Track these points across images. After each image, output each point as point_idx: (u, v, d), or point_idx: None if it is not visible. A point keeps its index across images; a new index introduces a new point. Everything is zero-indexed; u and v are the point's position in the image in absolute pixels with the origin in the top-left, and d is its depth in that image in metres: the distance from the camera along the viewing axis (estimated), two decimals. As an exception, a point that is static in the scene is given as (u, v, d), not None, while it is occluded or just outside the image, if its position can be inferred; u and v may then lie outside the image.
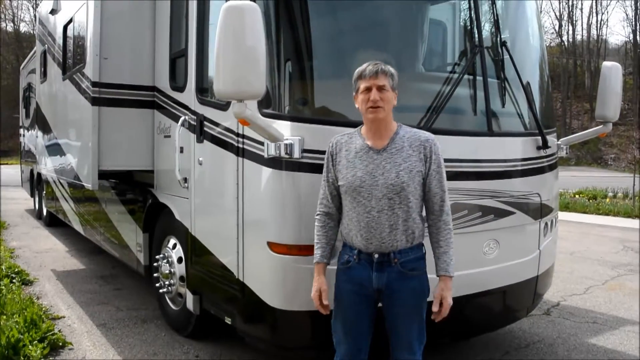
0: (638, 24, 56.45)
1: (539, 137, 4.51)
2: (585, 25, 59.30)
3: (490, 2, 4.41)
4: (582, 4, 66.53)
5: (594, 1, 59.04)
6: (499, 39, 4.35)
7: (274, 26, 3.67)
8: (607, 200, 17.82)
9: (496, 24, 4.38)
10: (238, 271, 4.00)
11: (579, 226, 13.47)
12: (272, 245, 3.64)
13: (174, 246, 5.26)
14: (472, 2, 4.23)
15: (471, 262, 4.02)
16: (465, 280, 3.94)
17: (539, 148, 4.53)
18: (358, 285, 3.10)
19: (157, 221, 5.66)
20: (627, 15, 60.59)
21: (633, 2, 54.97)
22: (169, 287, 5.30)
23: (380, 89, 2.99)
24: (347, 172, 3.07)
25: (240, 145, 3.90)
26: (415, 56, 4.54)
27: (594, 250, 10.38)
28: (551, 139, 4.72)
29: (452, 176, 3.89)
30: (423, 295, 3.14)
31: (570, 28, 59.93)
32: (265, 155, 3.56)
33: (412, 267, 3.06)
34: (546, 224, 4.73)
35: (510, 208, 4.26)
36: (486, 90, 4.13)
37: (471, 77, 4.19)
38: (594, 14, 62.96)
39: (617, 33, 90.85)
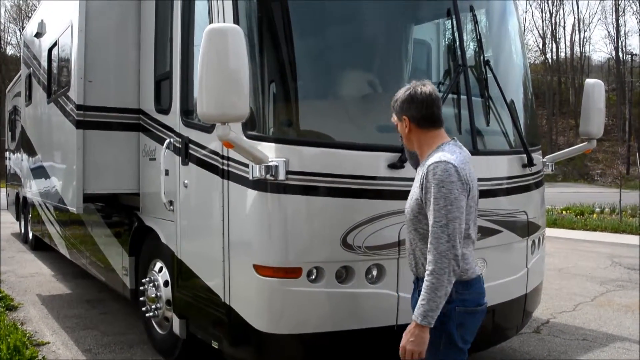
0: (620, 41, 57.37)
1: (524, 155, 4.52)
2: (568, 43, 60.12)
3: (473, 22, 4.45)
4: (564, 22, 67.42)
5: (577, 19, 59.93)
6: (482, 57, 4.39)
7: (257, 48, 3.68)
8: (595, 215, 17.89)
9: (479, 42, 4.42)
10: (224, 294, 3.95)
11: (567, 242, 13.50)
12: (258, 268, 3.60)
13: (160, 269, 5.20)
14: (455, 21, 4.26)
15: (459, 282, 3.98)
16: (453, 300, 3.90)
17: (524, 166, 4.54)
18: None
19: (143, 244, 5.59)
20: (609, 32, 61.73)
21: (614, 20, 55.91)
22: (156, 311, 5.22)
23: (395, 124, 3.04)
24: None
25: (225, 168, 3.88)
26: (400, 76, 4.56)
27: (582, 266, 10.39)
28: (536, 156, 4.74)
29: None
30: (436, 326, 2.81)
31: (554, 46, 60.76)
32: (250, 178, 3.54)
33: None
34: (534, 241, 4.73)
35: (497, 227, 4.26)
36: (470, 108, 4.15)
37: (455, 95, 4.21)
38: (577, 32, 63.93)
39: (599, 50, 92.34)
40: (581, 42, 63.68)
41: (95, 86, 5.37)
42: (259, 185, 3.57)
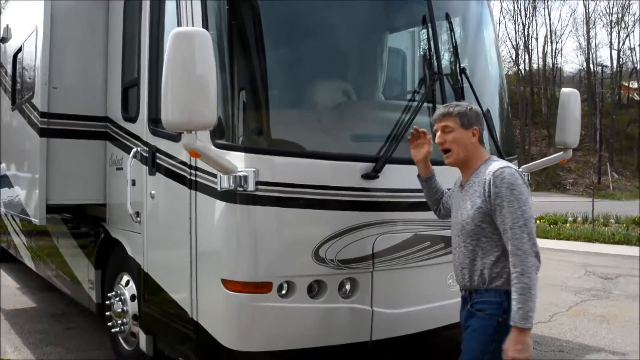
0: (591, 53, 58.43)
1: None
2: (541, 54, 61.06)
3: (448, 30, 4.38)
4: (537, 34, 68.56)
5: (549, 31, 60.95)
6: (458, 66, 4.31)
7: (226, 53, 3.54)
8: (568, 225, 18.03)
9: (455, 51, 4.34)
10: (192, 310, 3.79)
11: (541, 252, 13.42)
12: (226, 283, 3.46)
13: (127, 283, 5.01)
14: (430, 30, 4.19)
15: (436, 295, 3.93)
16: (430, 314, 3.86)
17: (500, 176, 4.46)
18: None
19: (110, 257, 5.41)
20: (580, 44, 62.89)
21: (585, 32, 56.97)
22: (122, 327, 5.03)
23: (444, 130, 3.00)
24: (451, 208, 3.23)
25: (193, 178, 3.73)
26: (374, 84, 4.47)
27: (556, 275, 10.39)
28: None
29: (413, 207, 3.81)
30: (480, 338, 2.87)
31: (527, 57, 61.65)
32: (219, 188, 3.40)
33: (479, 308, 2.91)
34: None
35: (473, 238, 4.16)
36: (446, 118, 4.05)
37: (430, 104, 4.12)
38: (549, 43, 64.85)
39: (571, 61, 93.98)
40: (553, 54, 64.63)
41: (60, 93, 5.18)
42: (227, 196, 3.43)
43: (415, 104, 4.01)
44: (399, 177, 3.80)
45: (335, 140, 3.86)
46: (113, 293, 5.17)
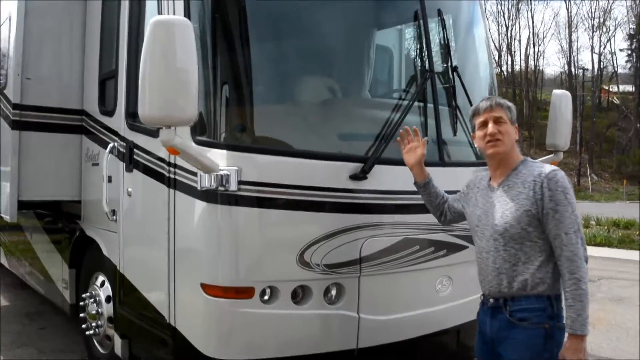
0: (572, 56, 58.95)
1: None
2: (523, 56, 61.40)
3: (440, 27, 4.24)
4: (520, 36, 69.01)
5: (532, 33, 61.42)
6: (449, 64, 4.17)
7: (209, 44, 3.36)
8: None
9: (446, 48, 4.20)
10: (169, 315, 3.62)
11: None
12: (205, 287, 3.30)
13: (102, 284, 4.82)
14: (422, 27, 4.04)
15: (424, 301, 3.81)
16: (418, 321, 3.74)
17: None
18: (480, 331, 2.99)
19: (85, 256, 5.21)
20: (562, 47, 63.37)
21: (567, 35, 57.47)
22: (97, 329, 4.83)
23: (497, 121, 2.86)
24: (471, 210, 3.03)
25: (172, 176, 3.55)
26: (362, 82, 4.33)
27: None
28: (502, 168, 4.55)
29: (401, 209, 3.68)
30: (532, 352, 2.74)
31: (509, 58, 61.99)
32: (199, 188, 3.23)
33: (523, 317, 2.74)
34: (499, 257, 4.54)
35: (463, 242, 4.04)
36: (437, 117, 3.95)
37: (421, 103, 3.98)
38: (532, 46, 65.28)
39: (553, 64, 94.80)
40: (535, 56, 65.06)
41: (34, 84, 4.96)
42: (208, 196, 3.26)
43: (405, 102, 3.87)
44: (388, 178, 3.66)
45: (322, 139, 3.70)
46: (88, 294, 4.98)
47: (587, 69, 58.90)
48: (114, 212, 4.34)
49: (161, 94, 2.72)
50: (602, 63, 58.99)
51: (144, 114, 2.78)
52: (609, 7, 57.14)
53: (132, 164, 4.07)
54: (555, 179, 2.70)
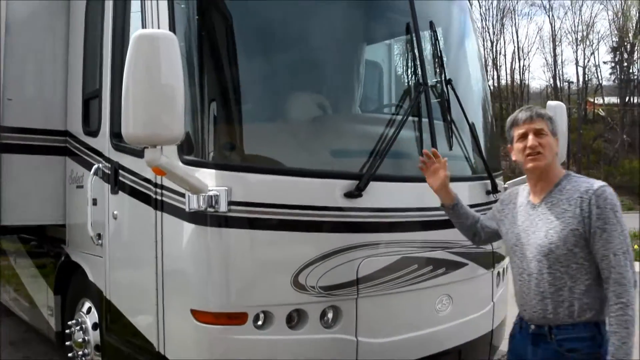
0: (557, 70, 59.49)
1: (488, 181, 4.23)
2: (509, 71, 61.81)
3: (432, 39, 4.15)
4: (505, 51, 69.64)
5: (516, 48, 61.95)
6: (443, 77, 4.08)
7: (195, 59, 3.24)
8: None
9: (440, 61, 4.11)
10: (158, 342, 3.46)
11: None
12: (196, 314, 3.15)
13: (89, 310, 4.65)
14: (414, 39, 3.95)
15: (424, 322, 3.68)
16: (418, 342, 3.62)
17: (488, 193, 4.25)
18: (516, 356, 2.77)
19: (70, 282, 5.03)
20: (546, 61, 63.88)
21: (552, 49, 58.03)
22: (83, 358, 4.65)
23: (538, 133, 2.68)
24: (508, 228, 2.84)
25: (159, 198, 3.41)
26: (354, 97, 4.23)
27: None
28: (499, 182, 4.46)
29: (398, 227, 3.56)
30: None
31: (495, 73, 62.46)
32: (187, 209, 3.09)
33: (572, 348, 2.56)
34: (498, 273, 4.44)
35: (462, 259, 3.93)
36: (432, 131, 3.84)
37: (416, 118, 3.88)
38: (517, 60, 65.77)
39: (538, 78, 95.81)
40: (521, 70, 65.59)
41: (16, 105, 4.80)
42: (196, 217, 3.12)
43: (399, 117, 3.76)
44: (384, 196, 3.54)
45: (314, 156, 3.57)
46: (73, 321, 4.79)
47: (572, 82, 59.37)
48: (99, 235, 4.19)
49: (145, 112, 2.58)
50: (586, 76, 59.52)
51: (127, 132, 2.64)
52: (592, 21, 57.67)
53: (117, 185, 3.93)
54: (604, 195, 2.53)
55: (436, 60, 4.19)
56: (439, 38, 4.20)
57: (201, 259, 3.16)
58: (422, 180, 3.84)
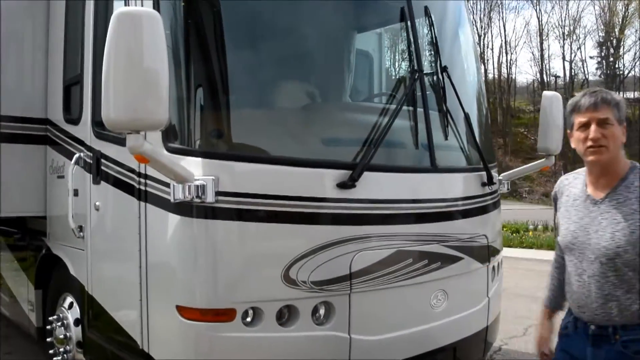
0: (544, 64, 59.68)
1: (484, 173, 4.11)
2: (496, 65, 61.91)
3: (428, 26, 4.02)
4: (492, 44, 69.75)
5: (504, 42, 62.06)
6: (439, 64, 3.94)
7: (181, 40, 3.08)
8: (530, 233, 18.04)
9: (435, 48, 3.97)
10: (142, 340, 3.32)
11: (506, 261, 13.17)
12: (181, 310, 3.00)
13: (71, 305, 4.48)
14: (409, 26, 3.81)
15: (419, 318, 3.56)
16: (413, 339, 3.50)
17: (483, 184, 4.13)
18: (571, 358, 2.58)
19: (52, 276, 4.86)
20: (533, 55, 63.95)
21: (539, 44, 58.20)
22: (65, 355, 4.49)
23: (602, 123, 2.42)
24: (562, 224, 2.60)
25: (142, 187, 3.26)
26: (346, 84, 4.08)
27: (524, 286, 10.19)
28: (494, 174, 4.34)
29: (392, 219, 3.43)
30: None
31: (482, 67, 62.50)
32: (172, 200, 2.93)
33: (639, 350, 2.38)
34: (493, 267, 4.34)
35: (458, 253, 3.81)
36: (427, 120, 3.72)
37: (410, 106, 3.74)
38: (504, 54, 65.90)
39: (525, 72, 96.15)
40: (508, 64, 65.75)
41: (-7, 92, 4.62)
42: (182, 208, 2.97)
43: (393, 105, 3.62)
44: (378, 186, 3.40)
45: (306, 145, 3.42)
46: (55, 317, 4.64)
47: (558, 77, 59.63)
48: (81, 228, 4.03)
49: (127, 95, 2.42)
50: (573, 70, 59.83)
51: (108, 117, 2.47)
52: (579, 15, 57.92)
53: (99, 175, 3.77)
54: None
55: (431, 47, 4.05)
56: (433, 24, 4.06)
57: (187, 253, 3.00)
58: (416, 170, 3.74)
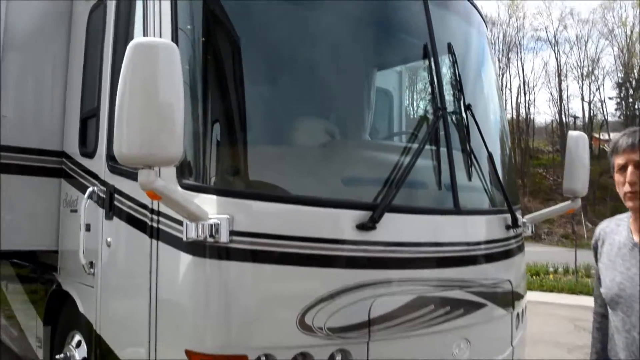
0: (563, 104, 59.53)
1: (508, 215, 3.96)
2: (514, 105, 61.88)
3: (450, 62, 3.92)
4: (511, 84, 69.97)
5: (522, 82, 62.10)
6: (462, 102, 3.83)
7: (199, 73, 2.99)
8: (551, 276, 17.65)
9: (459, 85, 3.86)
10: (150, 385, 3.15)
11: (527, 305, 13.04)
12: (191, 355, 2.84)
13: (79, 344, 4.35)
14: (432, 63, 3.72)
15: (440, 369, 3.33)
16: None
17: (508, 227, 3.97)
18: None
19: (61, 312, 4.74)
20: (552, 95, 63.92)
21: (557, 84, 58.20)
22: (70, 395, 4.34)
23: (639, 166, 2.28)
24: (606, 275, 2.42)
25: (155, 225, 3.14)
26: (368, 122, 3.98)
27: (546, 331, 9.89)
28: (518, 216, 4.19)
29: (415, 263, 3.27)
30: None
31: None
32: (184, 238, 2.80)
33: None
34: (518, 314, 4.14)
35: (481, 299, 3.63)
36: (451, 159, 3.59)
37: (433, 145, 3.63)
38: (522, 94, 65.90)
39: (544, 112, 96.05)
40: (526, 104, 65.78)
41: (11, 123, 4.59)
42: (195, 248, 2.84)
43: (416, 144, 3.51)
44: (399, 228, 3.25)
45: (325, 183, 3.29)
46: (62, 355, 4.49)
47: (577, 117, 59.42)
48: (91, 264, 3.91)
49: (141, 129, 2.32)
50: (592, 111, 59.59)
51: (121, 151, 2.38)
52: (597, 56, 57.90)
53: (112, 210, 3.67)
54: None
55: (454, 84, 3.95)
56: (457, 61, 3.97)
57: (198, 294, 2.86)
58: (438, 212, 3.59)
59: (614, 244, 2.44)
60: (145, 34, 3.27)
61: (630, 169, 2.30)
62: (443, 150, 3.61)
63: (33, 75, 4.70)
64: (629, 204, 2.32)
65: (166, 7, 3.18)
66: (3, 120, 4.55)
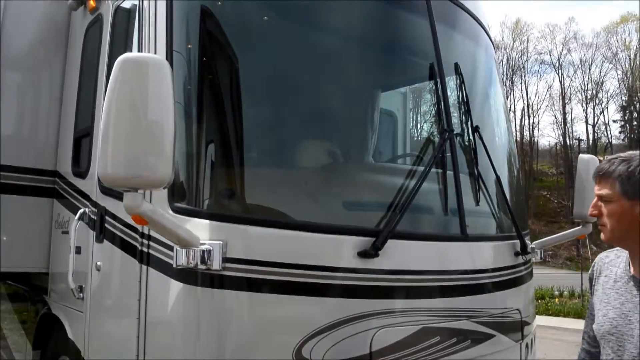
0: (567, 127, 59.51)
1: (517, 241, 3.79)
2: (518, 127, 61.84)
3: (457, 83, 3.79)
4: (515, 107, 69.97)
5: (526, 105, 62.22)
6: (469, 124, 3.69)
7: (193, 91, 2.85)
8: (556, 300, 17.40)
9: (466, 106, 3.72)
10: (137, 419, 2.97)
11: (532, 329, 12.80)
12: (180, 388, 2.67)
13: (67, 370, 4.17)
14: (439, 83, 3.58)
15: (446, 405, 3.14)
16: None
17: (517, 254, 3.81)
18: None
19: (51, 336, 4.57)
20: (556, 118, 64.02)
21: (561, 107, 58.26)
22: (57, 423, 4.15)
23: (601, 199, 2.15)
24: (599, 309, 2.23)
25: (145, 249, 2.99)
26: (370, 144, 3.84)
27: (553, 357, 9.69)
28: (527, 242, 4.03)
29: (419, 292, 3.11)
30: None
31: (507, 128, 62.42)
32: (174, 265, 2.64)
33: None
34: (527, 344, 3.94)
35: (489, 330, 3.46)
36: (458, 183, 3.42)
37: (439, 169, 3.47)
38: (526, 117, 65.86)
39: (547, 135, 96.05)
40: (530, 127, 65.71)
41: (4, 141, 4.48)
42: (186, 275, 2.68)
43: (421, 167, 3.36)
44: (403, 256, 3.08)
45: (325, 208, 3.14)
46: (49, 382, 4.33)
47: (582, 140, 59.33)
48: (81, 288, 3.76)
49: (127, 149, 2.17)
50: (596, 134, 59.59)
51: (105, 172, 2.22)
52: (601, 79, 58.05)
53: (102, 233, 3.52)
54: None
55: (461, 106, 3.82)
56: (464, 82, 3.83)
57: (189, 324, 2.69)
58: (444, 239, 3.44)
59: (611, 276, 2.27)
60: (140, 51, 3.14)
61: (594, 200, 2.19)
62: (450, 173, 3.45)
63: (30, 93, 4.63)
64: (601, 236, 2.18)
65: (161, 24, 3.07)
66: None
